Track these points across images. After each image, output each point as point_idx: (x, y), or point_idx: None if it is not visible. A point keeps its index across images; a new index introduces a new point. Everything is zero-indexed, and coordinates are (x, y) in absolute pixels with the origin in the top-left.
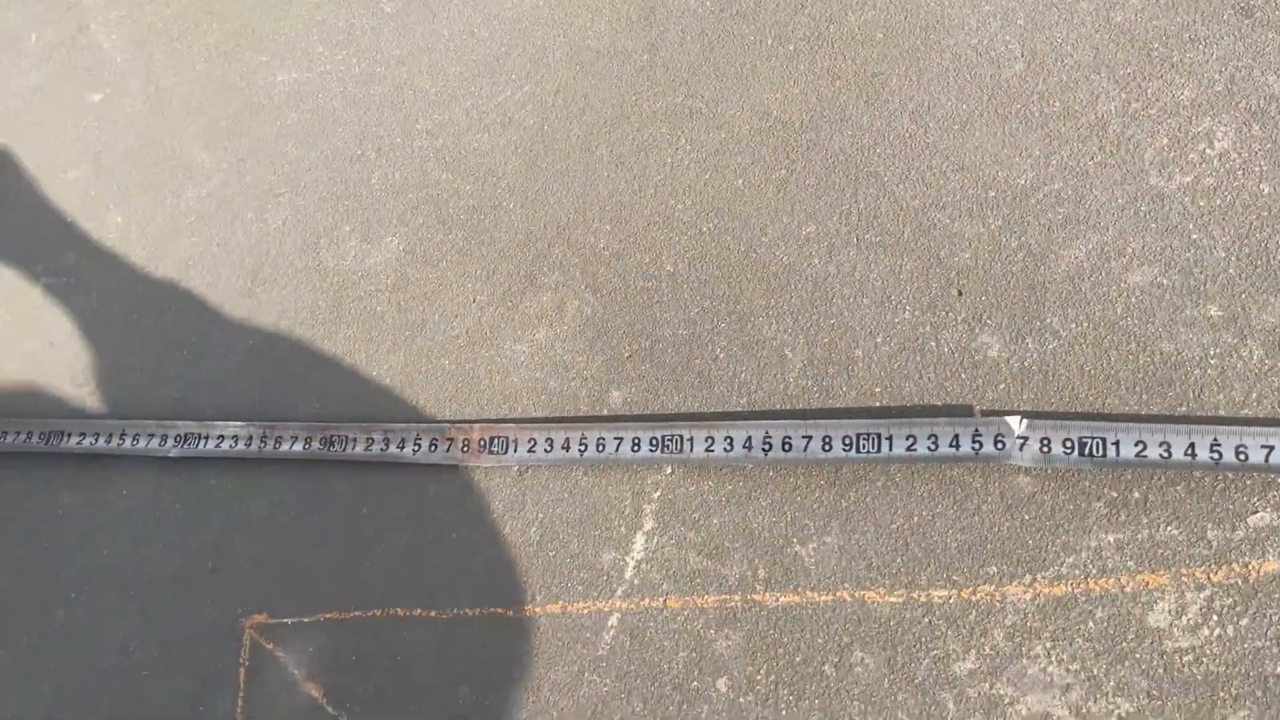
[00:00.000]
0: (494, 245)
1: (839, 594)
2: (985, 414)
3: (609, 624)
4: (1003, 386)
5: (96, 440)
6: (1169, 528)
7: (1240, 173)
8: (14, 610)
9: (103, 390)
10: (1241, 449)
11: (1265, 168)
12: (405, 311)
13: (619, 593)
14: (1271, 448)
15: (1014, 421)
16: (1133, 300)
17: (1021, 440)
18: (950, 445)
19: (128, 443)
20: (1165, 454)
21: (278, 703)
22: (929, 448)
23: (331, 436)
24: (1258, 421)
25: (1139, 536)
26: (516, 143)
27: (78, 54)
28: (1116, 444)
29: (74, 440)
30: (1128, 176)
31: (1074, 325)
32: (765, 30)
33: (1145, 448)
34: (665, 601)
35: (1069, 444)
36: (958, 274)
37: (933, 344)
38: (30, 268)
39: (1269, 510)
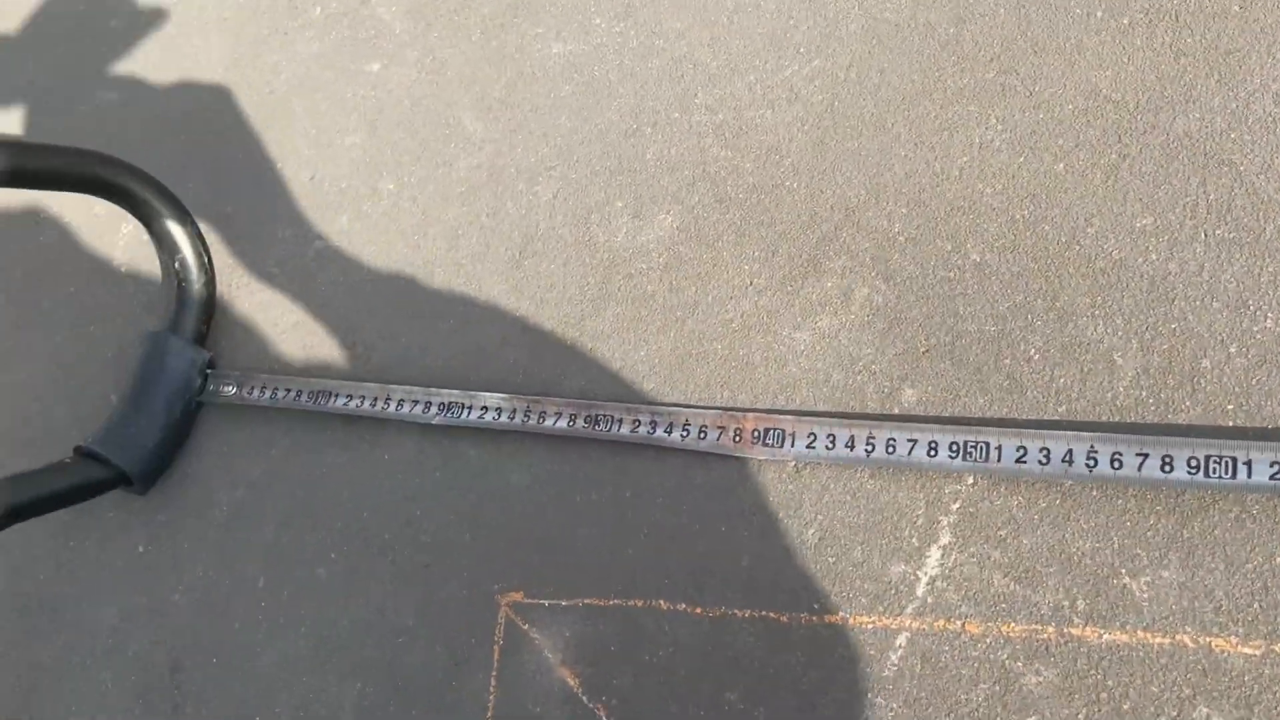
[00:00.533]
0: (774, 226)
1: (1178, 638)
2: None
3: (897, 643)
4: None
5: (362, 403)
6: None
7: None
8: (279, 563)
9: (369, 354)
10: None
11: None
12: (677, 292)
13: (909, 610)
14: None
15: None
16: None
17: None
18: None
19: (392, 407)
20: None
21: (531, 686)
22: None
23: (597, 415)
24: None
25: None
26: (803, 119)
27: (358, 25)
28: None
29: (340, 401)
30: None
31: None
32: (1093, 2)
33: None
34: (964, 625)
35: None
36: None
37: None
38: (304, 230)
39: None
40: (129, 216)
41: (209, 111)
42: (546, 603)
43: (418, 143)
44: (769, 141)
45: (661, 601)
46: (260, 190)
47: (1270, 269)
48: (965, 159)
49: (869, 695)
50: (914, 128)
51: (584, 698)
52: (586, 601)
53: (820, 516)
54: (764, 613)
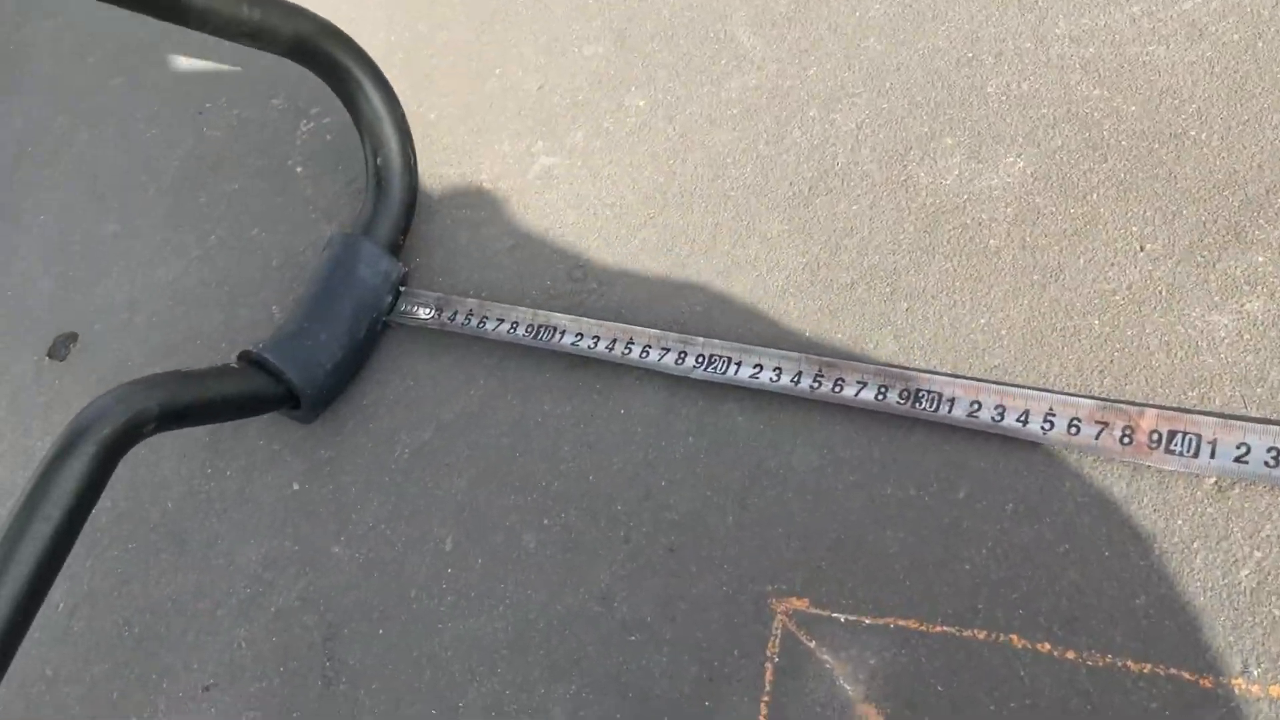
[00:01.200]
0: (1174, 182)
1: None
2: None
3: None
4: None
5: (596, 344)
6: None
7: None
8: (474, 523)
9: (604, 291)
10: None
11: None
12: (1033, 251)
13: None
14: None
15: None
16: None
17: None
18: None
19: (635, 353)
20: None
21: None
22: None
23: (918, 390)
24: None
25: None
26: (1212, 60)
27: None
28: None
29: (569, 339)
30: None
31: None
32: None
33: None
34: None
35: None
36: None
37: None
38: (528, 144)
39: None
40: (309, 113)
41: (413, 4)
42: (843, 618)
43: (677, 56)
44: (1163, 83)
45: (1014, 637)
46: (475, 97)
47: None
48: None
49: None
50: None
51: None
52: (900, 623)
53: (1258, 553)
54: (1170, 670)
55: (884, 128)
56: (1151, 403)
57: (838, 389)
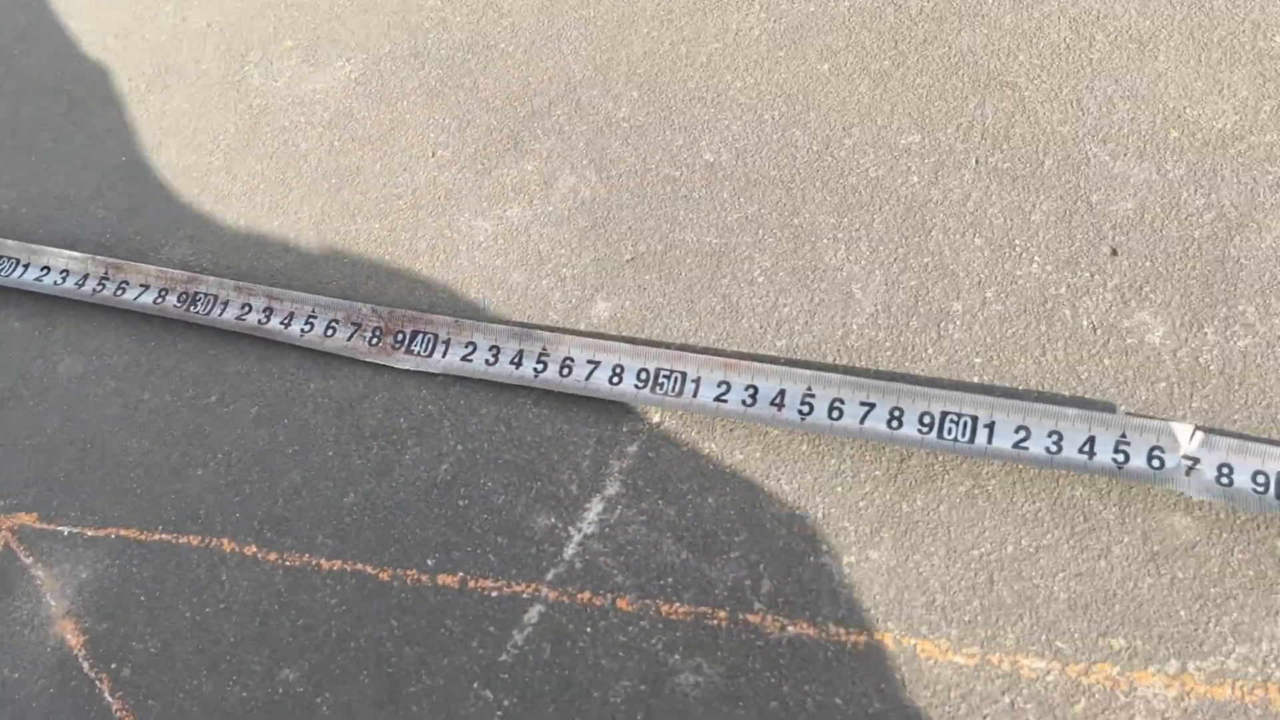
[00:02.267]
0: (477, 92)
1: (879, 636)
2: (1137, 416)
3: (526, 620)
4: (1164, 385)
5: None
6: None
7: None
8: None
9: None
10: None
11: None
12: (338, 154)
13: (550, 577)
14: None
15: (1181, 432)
16: None
17: (1190, 462)
18: (1081, 450)
19: None
20: None
21: (16, 640)
22: (1048, 449)
23: (195, 293)
24: None
25: None
26: None
27: None
28: None
29: None
30: None
31: (1278, 320)
32: None
33: None
34: (615, 601)
35: (1262, 480)
36: (1114, 228)
37: (1067, 311)
38: None
39: None
40: None
41: None
42: (67, 531)
43: None
44: None
45: (225, 541)
46: None
47: (1045, 207)
48: (717, 45)
49: (474, 685)
50: (663, 2)
51: (84, 664)
52: (122, 533)
53: (460, 447)
54: (356, 565)
55: (231, 28)
56: (401, 306)
57: (120, 292)
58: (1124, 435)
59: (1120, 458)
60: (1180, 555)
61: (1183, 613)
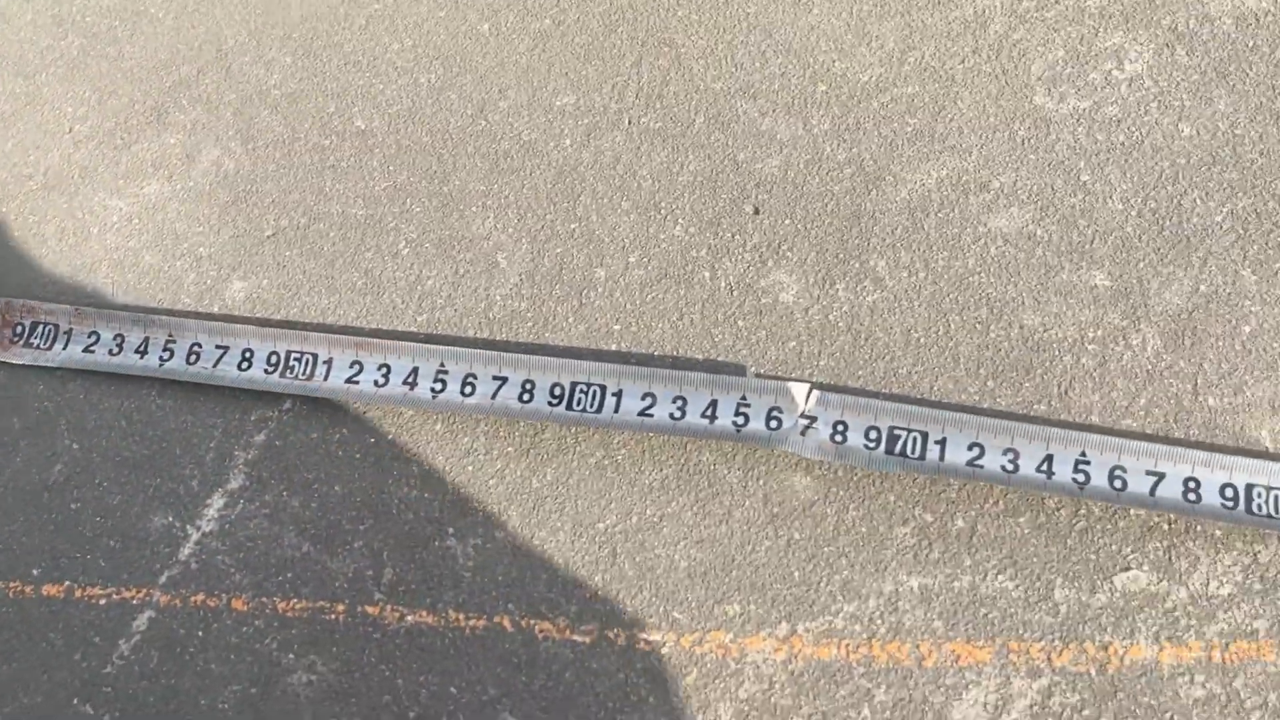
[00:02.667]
0: (122, 62)
1: (499, 619)
2: (762, 377)
3: (135, 627)
4: (794, 344)
5: None
6: (1000, 577)
7: (1155, 106)
8: None
9: None
10: (1118, 473)
11: (1188, 104)
12: None
13: (162, 580)
14: (1160, 476)
15: (798, 392)
16: (992, 251)
17: (807, 421)
18: (704, 415)
19: None
20: (1010, 466)
21: None
22: (672, 414)
23: None
24: (1143, 437)
25: (956, 585)
26: None
27: None
28: (942, 444)
29: None
30: (1006, 90)
31: (906, 274)
32: None
33: (982, 454)
34: (230, 601)
35: (874, 435)
36: (758, 186)
37: (706, 274)
38: None
39: (1147, 568)
40: None
41: None
42: None
43: None
44: None
45: None
46: None
47: (693, 167)
48: (378, 6)
49: (74, 701)
50: None
51: None
52: None
53: (76, 445)
54: (2, 583)
55: None
56: (18, 298)
57: None
58: (744, 398)
59: (740, 420)
60: (798, 516)
61: (796, 574)
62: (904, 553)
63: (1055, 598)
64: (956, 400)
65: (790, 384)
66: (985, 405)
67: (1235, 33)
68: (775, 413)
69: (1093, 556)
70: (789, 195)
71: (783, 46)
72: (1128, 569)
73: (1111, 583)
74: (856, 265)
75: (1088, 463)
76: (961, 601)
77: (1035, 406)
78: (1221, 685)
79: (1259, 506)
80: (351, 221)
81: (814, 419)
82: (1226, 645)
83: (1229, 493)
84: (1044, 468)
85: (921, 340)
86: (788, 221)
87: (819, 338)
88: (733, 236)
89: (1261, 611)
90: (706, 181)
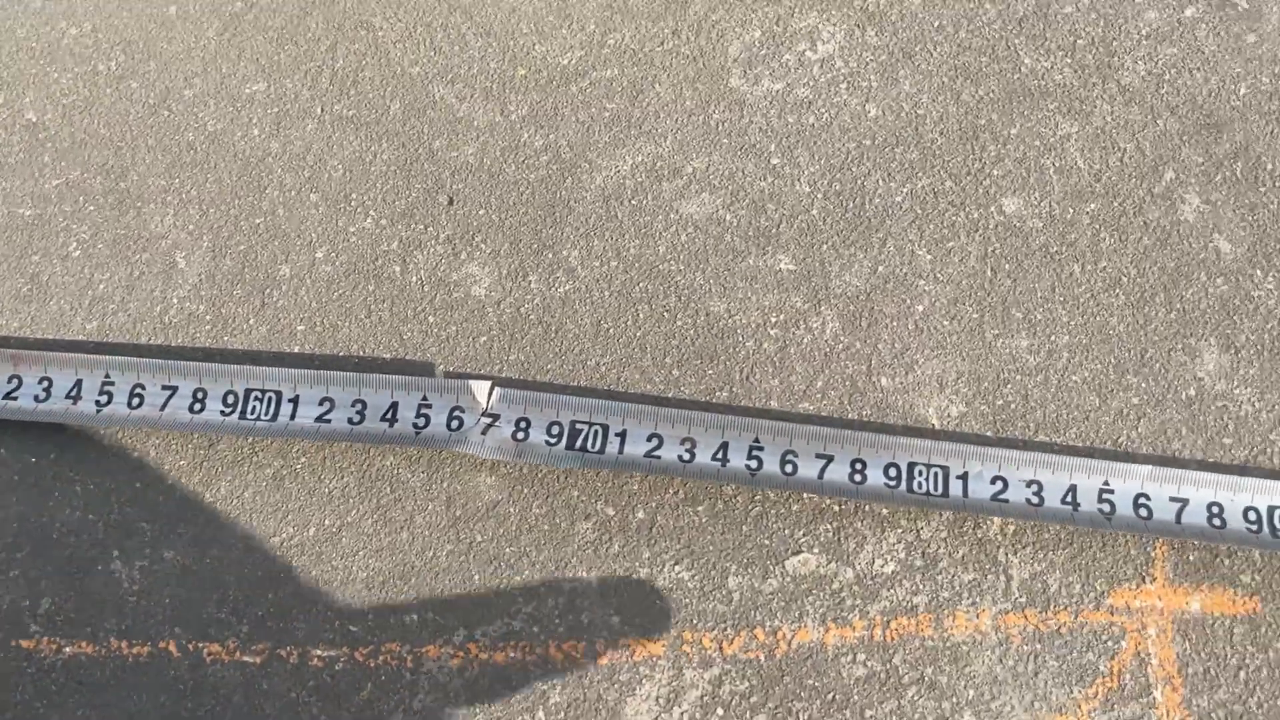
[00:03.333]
0: None
1: (164, 645)
2: (451, 376)
3: None
4: (485, 339)
5: None
6: (678, 568)
7: (844, 87)
8: None
9: None
10: (790, 457)
11: (875, 85)
12: None
13: None
14: (829, 459)
15: (479, 390)
16: (683, 238)
17: (489, 420)
18: (384, 418)
19: None
20: (687, 456)
21: None
22: (350, 419)
23: None
24: (818, 420)
25: (634, 578)
26: None
27: None
28: (622, 436)
29: None
30: (704, 73)
31: (599, 263)
32: None
33: (661, 444)
34: None
35: (556, 431)
36: (453, 175)
37: (397, 268)
38: None
39: (817, 550)
40: None
41: None
42: None
43: None
44: None
45: None
46: None
47: (386, 156)
48: None
49: None
50: None
51: None
52: None
53: None
54: None
55: None
56: None
57: None
58: (425, 398)
59: (421, 421)
60: (481, 517)
61: (477, 577)
62: (585, 549)
63: (729, 585)
64: (642, 390)
65: (471, 382)
66: (670, 394)
67: (922, 12)
68: (457, 412)
69: (766, 542)
70: (484, 184)
71: (483, 29)
72: (799, 552)
73: (783, 567)
74: (550, 256)
75: (761, 449)
76: (638, 595)
77: (718, 394)
78: (881, 662)
79: (919, 485)
80: (18, 223)
81: (496, 416)
82: (888, 623)
83: (892, 472)
84: (719, 456)
85: (610, 331)
86: (482, 212)
87: (510, 332)
88: (425, 228)
89: (921, 587)
90: (400, 171)
